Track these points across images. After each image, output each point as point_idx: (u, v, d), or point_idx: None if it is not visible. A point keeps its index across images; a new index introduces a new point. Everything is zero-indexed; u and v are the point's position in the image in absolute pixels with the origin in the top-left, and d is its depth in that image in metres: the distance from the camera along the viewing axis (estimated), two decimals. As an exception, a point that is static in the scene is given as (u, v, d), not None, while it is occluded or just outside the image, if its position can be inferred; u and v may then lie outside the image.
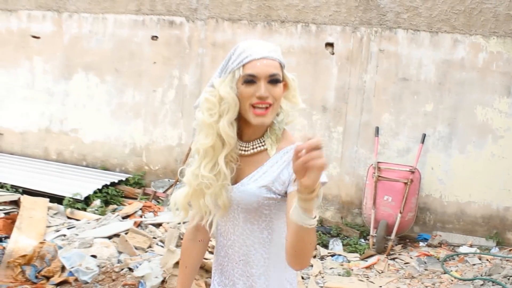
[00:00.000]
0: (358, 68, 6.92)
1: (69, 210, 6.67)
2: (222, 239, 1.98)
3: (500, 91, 6.51)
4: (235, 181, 1.88)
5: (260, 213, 1.87)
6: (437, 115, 6.73)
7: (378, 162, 6.61)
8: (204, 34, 7.56)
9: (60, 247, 4.81)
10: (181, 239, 5.10)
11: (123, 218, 5.71)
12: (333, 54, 6.99)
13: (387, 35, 6.80)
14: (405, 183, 6.37)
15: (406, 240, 6.77)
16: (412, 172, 6.43)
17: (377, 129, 6.84)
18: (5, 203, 6.44)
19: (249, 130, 1.88)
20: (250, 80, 1.78)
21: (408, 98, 6.81)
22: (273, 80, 1.78)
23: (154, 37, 7.83)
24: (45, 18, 8.39)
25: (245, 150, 1.89)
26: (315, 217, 1.54)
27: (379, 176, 6.49)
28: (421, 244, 6.67)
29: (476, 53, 6.54)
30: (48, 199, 6.55)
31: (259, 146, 1.88)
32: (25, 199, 6.32)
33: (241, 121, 1.87)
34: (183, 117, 7.73)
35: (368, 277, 5.62)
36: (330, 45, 7.01)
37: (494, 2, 6.37)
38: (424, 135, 6.69)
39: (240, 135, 1.89)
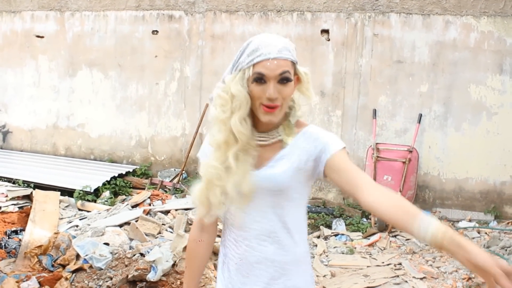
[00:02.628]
0: (353, 53, 7.09)
1: (79, 202, 6.90)
2: (242, 232, 1.97)
3: (493, 69, 6.67)
4: (257, 168, 1.90)
5: (288, 195, 1.92)
6: (432, 95, 6.90)
7: (377, 143, 6.79)
8: (203, 27, 7.75)
9: (74, 237, 5.04)
10: (189, 224, 5.33)
11: (133, 207, 5.94)
12: (328, 40, 7.17)
13: (381, 20, 6.96)
14: (404, 162, 6.56)
15: (407, 217, 6.95)
16: (410, 152, 6.61)
17: (375, 111, 7.01)
18: (18, 197, 6.70)
19: (264, 123, 1.91)
20: (260, 78, 1.80)
21: (403, 80, 6.98)
22: (283, 79, 1.80)
23: (155, 32, 8.03)
24: (48, 18, 8.60)
25: (262, 141, 1.92)
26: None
27: (378, 156, 6.68)
28: (421, 221, 6.85)
29: (467, 33, 6.70)
30: (59, 193, 6.79)
31: (277, 136, 1.93)
32: (37, 193, 6.57)
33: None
34: (186, 108, 7.94)
35: (370, 254, 5.82)
36: (325, 31, 7.19)
37: (484, -17, 6.53)
38: (420, 115, 6.86)
39: (257, 126, 1.92)
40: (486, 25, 6.62)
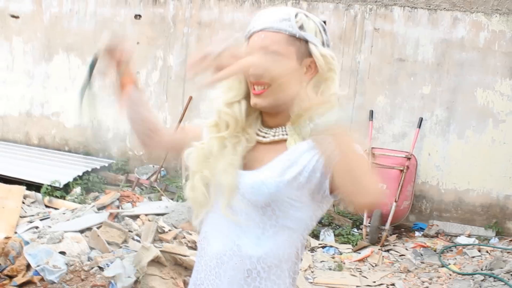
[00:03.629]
0: (351, 48, 6.60)
1: (47, 198, 6.37)
2: (205, 244, 1.64)
3: (502, 73, 6.22)
4: (246, 168, 1.56)
5: (270, 215, 1.53)
6: (435, 98, 6.45)
7: (373, 148, 6.33)
8: (190, 13, 7.19)
9: (27, 243, 4.48)
10: (159, 232, 4.80)
11: (99, 209, 5.39)
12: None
13: (383, 13, 6.45)
14: (401, 170, 6.07)
15: (401, 229, 6.50)
16: (408, 159, 6.14)
17: (372, 112, 6.55)
18: (-22, 192, 6.15)
19: (269, 115, 1.58)
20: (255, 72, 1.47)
21: (404, 79, 6.52)
22: (271, 53, 1.46)
23: (137, 16, 7.45)
24: (24, -4, 7.99)
25: (263, 137, 1.58)
26: None
27: (373, 162, 6.17)
28: (416, 233, 6.40)
29: (477, 32, 6.23)
30: (24, 187, 6.25)
31: (281, 135, 1.56)
32: (-1, 187, 6.03)
33: None
34: (168, 100, 7.39)
35: (361, 272, 5.33)
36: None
37: (497, -23, 6.00)
38: (421, 119, 6.40)
39: (263, 120, 1.60)
40: (497, 24, 6.15)
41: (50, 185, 6.51)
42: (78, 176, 6.88)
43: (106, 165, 7.41)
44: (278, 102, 1.49)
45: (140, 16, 7.43)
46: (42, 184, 6.55)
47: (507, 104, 6.22)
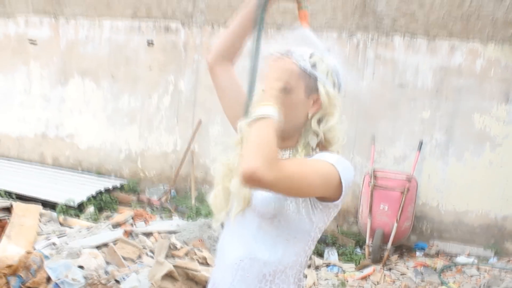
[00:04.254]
0: (354, 74, 6.83)
1: (62, 217, 6.60)
2: (223, 251, 1.88)
3: (498, 98, 6.41)
4: None
5: (277, 226, 1.76)
6: (434, 122, 6.65)
7: (374, 170, 6.51)
8: (200, 40, 7.51)
9: (47, 257, 4.75)
10: (172, 249, 5.04)
11: (114, 227, 5.64)
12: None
13: (384, 41, 6.72)
14: (402, 192, 6.27)
15: (403, 249, 6.67)
16: (409, 180, 6.32)
17: (373, 136, 6.75)
18: (-3, 210, 6.42)
19: (281, 139, 1.70)
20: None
21: (404, 105, 6.73)
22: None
23: (150, 43, 7.77)
24: (42, 23, 8.37)
25: None
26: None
27: (375, 184, 6.39)
28: (417, 253, 6.57)
29: (473, 59, 6.45)
30: (40, 206, 6.50)
31: (288, 154, 1.79)
32: (17, 206, 6.26)
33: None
34: (178, 124, 7.67)
35: (363, 289, 5.54)
36: (326, 51, 6.92)
37: (492, 8, 6.27)
38: (421, 143, 6.59)
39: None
40: (493, 52, 6.37)
41: (65, 204, 6.78)
42: (92, 195, 7.14)
43: (118, 185, 7.69)
44: (284, 128, 1.70)
45: (152, 42, 7.76)
46: (57, 203, 6.82)
47: (504, 128, 6.40)
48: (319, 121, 1.78)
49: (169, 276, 4.40)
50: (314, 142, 1.78)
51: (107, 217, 6.73)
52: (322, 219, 1.80)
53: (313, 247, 1.87)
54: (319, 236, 1.85)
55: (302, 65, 1.72)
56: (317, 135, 1.78)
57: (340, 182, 1.70)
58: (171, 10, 7.61)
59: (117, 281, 4.36)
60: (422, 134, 6.66)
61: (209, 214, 6.39)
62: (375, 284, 5.64)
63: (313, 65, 1.74)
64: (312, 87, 1.74)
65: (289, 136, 1.79)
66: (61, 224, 6.53)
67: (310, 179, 1.64)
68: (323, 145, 1.81)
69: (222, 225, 1.94)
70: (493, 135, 6.46)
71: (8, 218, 6.02)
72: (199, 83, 7.50)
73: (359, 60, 6.82)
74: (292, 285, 1.82)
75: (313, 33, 1.83)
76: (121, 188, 7.70)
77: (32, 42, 8.48)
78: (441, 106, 6.61)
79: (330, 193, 1.71)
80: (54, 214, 6.66)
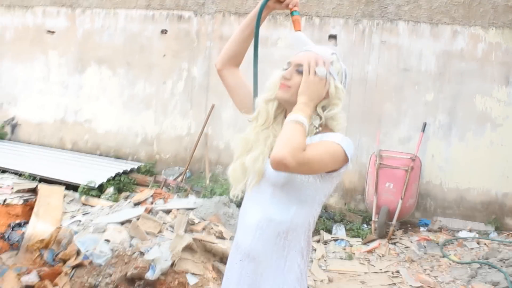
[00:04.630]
0: (360, 59, 7.14)
1: (84, 197, 6.98)
2: (244, 214, 2.24)
3: (499, 81, 6.70)
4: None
5: (287, 192, 2.09)
6: (437, 104, 6.94)
7: (380, 150, 6.84)
8: (212, 28, 7.82)
9: (76, 232, 5.11)
10: (190, 224, 5.39)
11: (135, 205, 5.99)
12: (336, 46, 7.21)
13: (389, 27, 7.00)
14: (406, 170, 6.59)
15: (407, 225, 7.01)
16: (413, 160, 6.65)
17: (379, 118, 7.06)
18: (23, 190, 6.78)
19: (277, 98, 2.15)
20: (286, 67, 2.12)
21: (409, 88, 7.03)
22: (299, 70, 2.06)
23: (164, 31, 8.11)
24: (59, 14, 8.70)
25: None
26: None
27: (380, 163, 6.72)
28: (421, 229, 6.91)
29: (475, 43, 6.73)
30: (64, 187, 6.86)
31: None
32: (42, 187, 6.64)
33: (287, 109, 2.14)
34: (192, 108, 8.01)
35: (369, 261, 5.87)
36: (333, 37, 7.24)
37: (493, -6, 6.55)
38: (425, 124, 6.90)
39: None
40: (494, 36, 6.65)
41: (87, 185, 7.16)
42: (111, 177, 7.50)
43: (135, 167, 8.05)
44: (293, 102, 2.05)
45: (166, 31, 8.09)
46: (79, 184, 7.19)
47: (504, 109, 6.70)
48: (324, 108, 2.13)
49: (188, 248, 4.74)
50: (317, 123, 2.12)
51: (126, 197, 7.08)
52: (326, 186, 2.14)
53: (319, 210, 2.22)
54: (323, 200, 2.18)
55: (323, 56, 2.08)
56: (320, 118, 2.12)
57: (345, 156, 2.05)
58: (184, 0, 7.91)
59: (142, 253, 4.70)
60: (426, 116, 6.97)
61: (223, 192, 6.75)
62: (380, 257, 5.98)
63: (331, 62, 2.10)
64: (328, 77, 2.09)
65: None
66: (83, 204, 6.91)
67: (324, 161, 1.99)
68: (326, 128, 2.15)
69: (239, 197, 2.27)
70: (494, 116, 6.76)
71: (34, 198, 6.42)
72: (211, 69, 7.81)
73: (365, 45, 7.12)
74: (303, 241, 2.17)
75: (305, 35, 2.23)
76: (138, 170, 8.06)
77: (50, 32, 8.81)
78: (444, 89, 6.91)
79: (336, 167, 2.07)
80: (77, 194, 7.04)
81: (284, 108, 2.17)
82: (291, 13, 2.28)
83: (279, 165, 1.87)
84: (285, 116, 2.15)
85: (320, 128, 2.12)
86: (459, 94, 6.86)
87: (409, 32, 6.94)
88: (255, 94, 2.24)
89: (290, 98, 2.08)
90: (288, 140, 1.89)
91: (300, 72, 2.05)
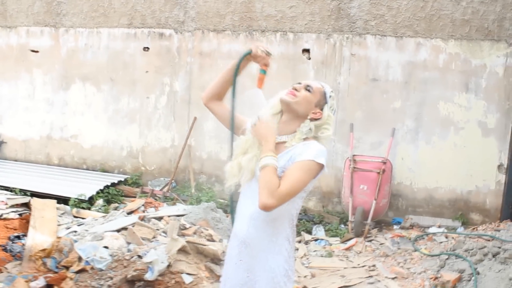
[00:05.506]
0: (332, 71, 7.61)
1: (75, 209, 7.23)
2: (240, 207, 2.72)
3: (460, 88, 7.20)
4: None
5: None
6: (404, 111, 7.41)
7: (354, 155, 7.25)
8: (192, 44, 8.23)
9: (76, 241, 5.45)
10: (182, 229, 5.78)
11: (128, 213, 6.36)
12: (309, 59, 7.69)
13: (358, 41, 7.50)
14: (378, 173, 7.02)
15: (382, 224, 7.46)
16: (384, 163, 7.07)
17: (352, 125, 7.49)
18: (17, 205, 7.04)
19: (281, 125, 2.64)
20: (297, 84, 2.65)
21: (378, 96, 7.50)
22: (308, 89, 2.61)
23: (146, 48, 8.49)
24: (43, 33, 9.01)
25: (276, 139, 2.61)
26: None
27: (354, 167, 7.16)
28: (395, 227, 7.37)
29: (437, 54, 7.23)
30: (55, 201, 7.13)
31: (283, 139, 2.61)
32: (35, 201, 6.88)
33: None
34: (175, 121, 8.40)
35: (347, 257, 6.31)
36: (306, 51, 7.71)
37: (451, 9, 7.10)
38: (394, 129, 7.34)
39: (280, 129, 2.64)
40: (453, 47, 7.16)
41: (77, 198, 7.45)
42: (100, 190, 7.82)
43: (122, 179, 8.38)
44: (293, 108, 2.59)
45: (148, 48, 8.48)
46: (69, 198, 7.46)
47: (465, 113, 7.20)
48: (317, 128, 2.64)
49: (182, 250, 5.13)
50: (305, 129, 2.63)
51: (115, 208, 7.38)
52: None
53: (300, 203, 2.71)
54: (303, 195, 2.67)
55: (325, 91, 2.67)
56: (311, 134, 2.63)
57: (319, 166, 2.55)
58: (164, 18, 8.33)
59: (139, 256, 5.07)
60: (395, 122, 7.44)
61: (209, 199, 7.15)
62: (357, 253, 6.44)
63: (330, 96, 2.67)
64: (321, 105, 2.63)
65: (291, 120, 2.66)
66: (75, 216, 7.17)
67: (301, 181, 2.48)
68: (314, 137, 2.67)
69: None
70: (456, 120, 7.26)
71: (28, 212, 6.70)
72: (192, 83, 8.23)
73: (336, 58, 7.60)
74: (288, 229, 2.68)
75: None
76: (125, 182, 8.39)
77: (34, 51, 9.09)
78: (410, 97, 7.40)
79: (313, 176, 2.57)
80: (68, 207, 7.29)
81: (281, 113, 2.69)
82: (260, 70, 2.76)
83: (267, 209, 2.42)
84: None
85: (307, 137, 2.63)
86: (424, 101, 7.33)
87: (376, 45, 7.43)
88: (232, 130, 2.78)
89: (293, 105, 2.59)
90: (263, 187, 2.41)
91: (308, 91, 2.60)
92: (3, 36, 9.30)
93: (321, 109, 2.62)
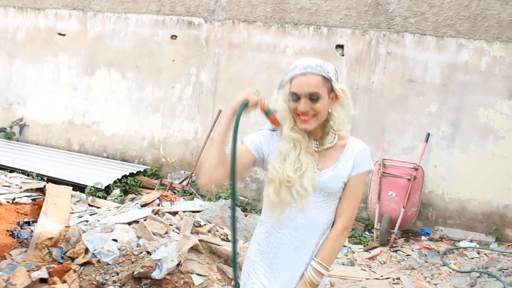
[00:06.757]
0: (366, 69, 7.25)
1: (90, 198, 7.08)
2: (276, 228, 2.36)
3: (502, 94, 6.79)
4: (321, 169, 2.31)
5: (335, 197, 2.32)
6: (441, 115, 7.04)
7: (384, 159, 6.92)
8: (221, 35, 7.94)
9: (84, 231, 5.22)
10: (196, 226, 5.50)
11: (142, 206, 6.11)
12: (343, 55, 7.33)
13: (395, 39, 7.12)
14: (409, 180, 6.68)
15: (409, 234, 7.09)
16: (416, 169, 6.73)
17: (384, 128, 7.17)
18: (32, 190, 6.92)
19: (312, 132, 2.29)
20: (295, 98, 2.21)
21: (413, 98, 7.13)
22: (313, 98, 2.19)
23: (174, 36, 8.24)
24: (71, 17, 8.84)
25: (317, 147, 2.32)
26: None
27: (384, 172, 6.81)
28: (423, 238, 6.99)
29: (479, 57, 6.83)
30: (71, 187, 6.99)
31: (327, 144, 2.33)
32: (50, 187, 6.76)
33: None
34: (199, 113, 8.13)
35: (370, 267, 5.95)
36: (340, 47, 7.36)
37: (498, 9, 6.65)
38: (428, 134, 7.00)
39: (311, 135, 2.31)
40: (498, 50, 6.74)
41: (93, 187, 7.26)
42: (118, 179, 7.62)
43: (142, 170, 8.17)
44: (319, 124, 2.26)
45: (176, 36, 8.23)
46: (86, 185, 7.30)
47: (506, 122, 6.78)
48: (340, 111, 2.31)
49: (194, 249, 4.85)
50: (332, 128, 2.32)
51: (132, 199, 7.19)
52: None
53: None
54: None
55: (323, 73, 2.22)
56: (335, 121, 2.30)
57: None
58: (194, 6, 8.06)
59: (148, 253, 4.81)
60: (430, 127, 7.07)
61: (228, 196, 6.86)
62: (381, 263, 6.07)
63: (328, 71, 2.23)
64: (329, 88, 2.24)
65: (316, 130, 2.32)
66: (90, 205, 7.01)
67: (361, 195, 2.39)
68: (338, 127, 2.35)
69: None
70: (497, 128, 6.85)
71: (42, 198, 6.53)
72: (219, 75, 7.94)
73: (371, 56, 7.23)
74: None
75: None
76: (144, 173, 8.17)
77: (61, 34, 8.95)
78: (447, 101, 7.01)
79: None
80: (83, 195, 7.14)
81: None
82: (266, 114, 2.31)
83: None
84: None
85: (335, 132, 2.34)
86: (463, 106, 6.95)
87: (415, 44, 7.05)
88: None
89: (319, 123, 2.26)
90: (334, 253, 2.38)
91: (315, 100, 2.20)
92: (31, 18, 9.17)
93: (332, 90, 2.25)
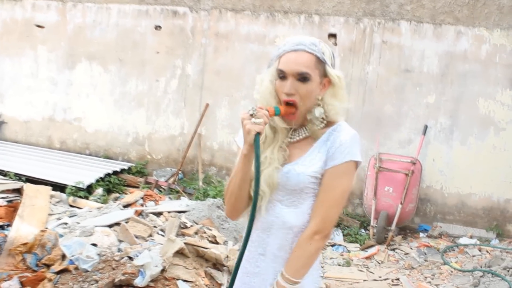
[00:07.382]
0: (360, 59, 6.96)
1: (71, 198, 6.73)
2: (254, 229, 2.03)
3: (503, 84, 6.54)
4: (283, 164, 2.01)
5: (306, 194, 1.99)
6: (439, 106, 6.77)
7: (380, 153, 6.66)
8: (207, 24, 7.59)
9: (61, 235, 4.86)
10: (182, 228, 5.16)
11: (124, 207, 5.76)
12: (336, 45, 7.02)
13: (390, 27, 6.82)
14: (406, 174, 6.41)
15: (407, 230, 6.84)
16: (413, 164, 6.46)
17: (379, 120, 6.88)
18: (8, 191, 6.51)
19: (295, 122, 2.00)
20: (282, 76, 1.92)
21: (410, 89, 6.86)
22: (302, 78, 1.89)
23: (158, 27, 7.89)
24: (49, 8, 8.44)
25: (290, 137, 2.03)
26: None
27: (380, 167, 6.52)
28: (421, 235, 6.74)
29: (479, 45, 6.57)
30: (50, 188, 6.62)
31: (304, 134, 2.01)
32: (28, 187, 6.39)
33: None
34: (186, 107, 7.78)
35: (367, 268, 5.68)
36: (333, 36, 7.06)
37: (498, -6, 6.37)
38: (426, 127, 6.73)
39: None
40: (499, 38, 6.49)
41: (74, 186, 6.90)
42: (100, 178, 7.26)
43: (126, 168, 7.81)
44: (303, 113, 1.96)
45: (160, 27, 7.85)
46: (67, 185, 6.95)
47: (508, 113, 6.52)
48: (333, 99, 1.98)
49: (180, 253, 4.53)
50: (320, 114, 1.97)
51: (115, 199, 6.86)
52: None
53: None
54: None
55: (317, 53, 1.90)
56: (333, 106, 1.97)
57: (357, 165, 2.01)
58: (179, -6, 7.69)
59: (130, 258, 4.47)
60: (427, 119, 6.80)
61: (217, 195, 6.52)
62: (379, 263, 5.78)
63: (323, 52, 1.92)
64: (323, 72, 1.93)
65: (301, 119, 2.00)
66: (71, 206, 6.66)
67: (346, 193, 2.01)
68: (329, 118, 2.00)
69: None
70: (497, 120, 6.59)
71: (19, 199, 6.16)
72: (206, 67, 7.59)
73: (366, 45, 6.93)
74: None
75: None
76: (129, 170, 7.82)
77: (39, 26, 8.54)
78: (446, 91, 6.74)
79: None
80: (64, 195, 6.78)
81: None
82: (276, 115, 1.96)
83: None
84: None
85: (325, 122, 1.99)
86: (462, 96, 6.69)
87: (411, 32, 6.76)
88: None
89: (303, 113, 1.97)
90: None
91: (302, 81, 1.89)
92: (7, 9, 8.74)
93: (325, 75, 1.93)
